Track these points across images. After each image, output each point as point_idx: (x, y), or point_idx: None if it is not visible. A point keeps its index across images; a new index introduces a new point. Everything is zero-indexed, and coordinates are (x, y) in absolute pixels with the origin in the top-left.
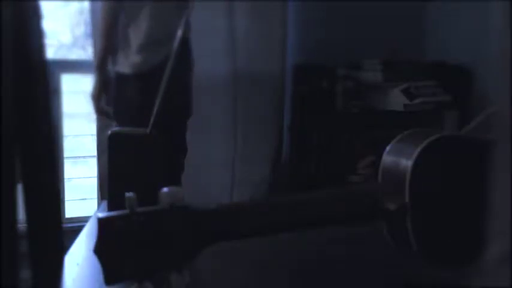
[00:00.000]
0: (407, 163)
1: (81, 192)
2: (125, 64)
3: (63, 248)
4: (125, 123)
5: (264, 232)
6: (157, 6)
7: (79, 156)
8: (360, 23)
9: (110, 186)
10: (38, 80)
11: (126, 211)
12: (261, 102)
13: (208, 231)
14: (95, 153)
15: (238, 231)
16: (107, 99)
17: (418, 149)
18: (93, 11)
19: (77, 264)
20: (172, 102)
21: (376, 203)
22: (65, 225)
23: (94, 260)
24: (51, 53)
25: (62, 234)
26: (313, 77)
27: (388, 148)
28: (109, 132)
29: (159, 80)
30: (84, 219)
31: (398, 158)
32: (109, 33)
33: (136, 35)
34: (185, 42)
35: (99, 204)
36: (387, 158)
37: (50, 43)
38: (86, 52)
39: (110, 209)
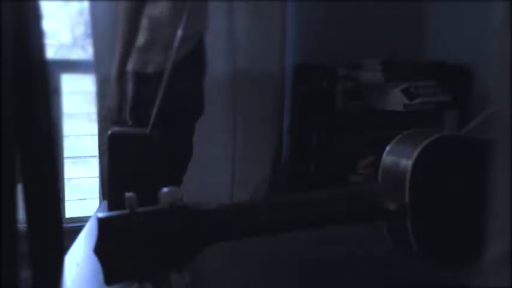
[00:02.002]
0: (407, 163)
1: (81, 192)
2: (147, 63)
3: (63, 248)
4: (143, 124)
5: (264, 232)
6: (178, 5)
7: (79, 156)
8: (360, 23)
9: (110, 186)
10: (38, 80)
11: (126, 211)
12: (261, 102)
13: (208, 231)
14: (96, 153)
15: (238, 231)
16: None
17: (418, 149)
18: (92, 11)
19: (77, 264)
20: (182, 102)
21: (376, 203)
22: (65, 225)
23: (94, 260)
24: (51, 53)
25: (62, 234)
26: (313, 77)
27: (388, 148)
28: (109, 132)
29: (179, 78)
30: (84, 219)
31: (398, 158)
32: (131, 37)
33: (159, 33)
34: (201, 42)
35: (99, 204)
36: (387, 158)
37: (50, 43)
38: (86, 52)
39: (110, 209)
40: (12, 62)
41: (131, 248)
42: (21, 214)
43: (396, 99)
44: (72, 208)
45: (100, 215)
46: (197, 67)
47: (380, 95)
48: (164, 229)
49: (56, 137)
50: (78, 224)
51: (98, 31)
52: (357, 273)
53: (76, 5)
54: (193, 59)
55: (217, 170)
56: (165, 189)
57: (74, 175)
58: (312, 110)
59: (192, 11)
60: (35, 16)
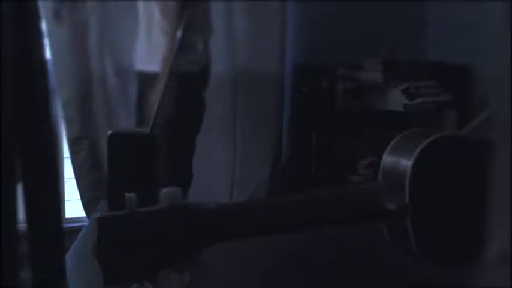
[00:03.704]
0: (407, 163)
1: None
2: (186, 63)
3: (63, 248)
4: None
5: (264, 232)
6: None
7: None
8: (360, 23)
9: (110, 186)
10: (38, 80)
11: (126, 211)
12: (261, 102)
13: (208, 231)
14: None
15: (238, 231)
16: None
17: (418, 149)
18: (50, 39)
19: (77, 263)
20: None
21: (376, 203)
22: (65, 225)
23: (93, 260)
24: None
25: (62, 234)
26: (313, 77)
27: (388, 148)
28: (109, 132)
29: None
30: (84, 219)
31: (399, 158)
32: (175, 33)
33: (198, 33)
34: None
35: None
36: (387, 158)
37: None
38: None
39: (109, 209)
40: (12, 62)
41: (131, 248)
42: (21, 214)
43: (396, 99)
44: (72, 208)
45: (100, 215)
46: (206, 78)
47: (380, 95)
48: (164, 229)
49: (56, 137)
50: (78, 224)
51: (58, 56)
52: (357, 273)
53: None
54: (206, 71)
55: (217, 170)
56: (165, 190)
57: None
58: (312, 110)
59: (195, 15)
60: (35, 16)
